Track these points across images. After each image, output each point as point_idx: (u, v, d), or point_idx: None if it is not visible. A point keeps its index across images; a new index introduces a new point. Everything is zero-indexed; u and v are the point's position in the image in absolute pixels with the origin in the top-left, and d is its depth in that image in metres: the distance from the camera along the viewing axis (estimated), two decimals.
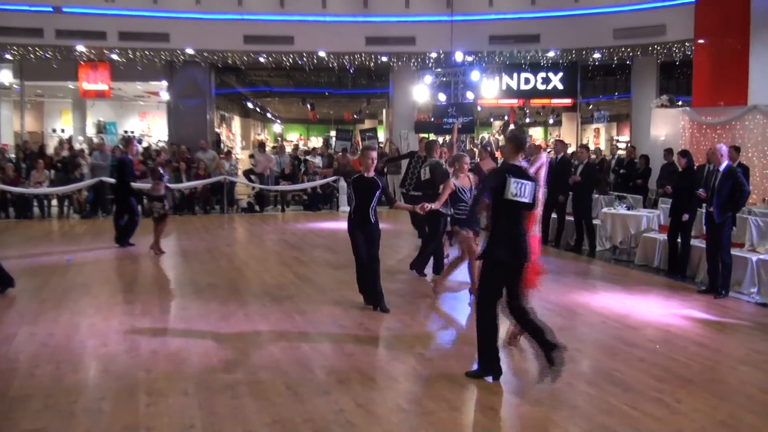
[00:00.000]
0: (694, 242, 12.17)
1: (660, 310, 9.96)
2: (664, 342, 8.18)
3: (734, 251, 10.91)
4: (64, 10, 21.89)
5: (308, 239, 16.32)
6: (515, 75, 26.25)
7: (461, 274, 10.87)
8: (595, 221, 14.81)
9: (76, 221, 19.73)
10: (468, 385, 6.73)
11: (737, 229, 11.39)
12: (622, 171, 18.84)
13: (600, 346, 8.02)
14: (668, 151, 16.13)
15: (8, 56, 24.02)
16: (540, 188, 7.17)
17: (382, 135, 30.57)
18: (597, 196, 15.70)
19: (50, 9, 21.75)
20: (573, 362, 7.38)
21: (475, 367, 6.91)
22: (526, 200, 6.59)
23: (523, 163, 6.86)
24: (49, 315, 9.21)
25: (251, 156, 23.18)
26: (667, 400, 6.31)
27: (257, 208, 22.15)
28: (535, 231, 7.46)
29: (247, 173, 22.95)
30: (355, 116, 37.74)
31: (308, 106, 33.80)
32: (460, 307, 10.15)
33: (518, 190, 6.51)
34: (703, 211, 11.36)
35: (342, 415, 5.92)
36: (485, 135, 35.18)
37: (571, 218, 15.06)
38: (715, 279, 10.75)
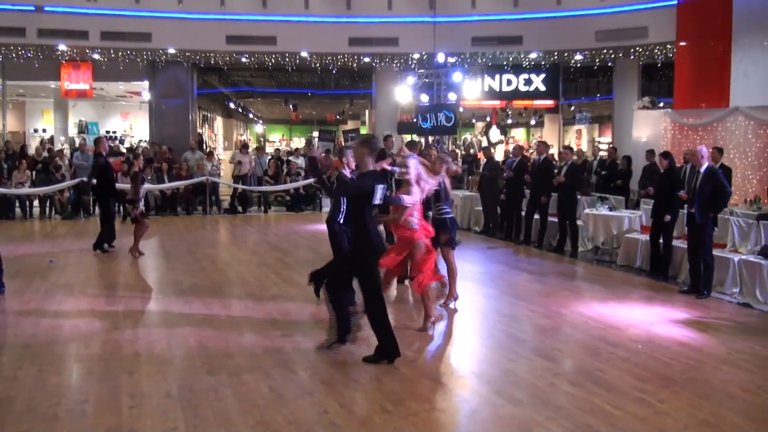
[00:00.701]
0: (675, 243, 12.23)
1: (642, 310, 10.02)
2: (646, 342, 8.22)
3: (716, 252, 10.97)
4: (46, 9, 21.77)
5: (291, 240, 16.30)
6: (497, 76, 26.32)
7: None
8: (577, 222, 14.85)
9: (57, 222, 19.63)
10: (452, 387, 6.76)
11: (719, 229, 11.45)
12: (603, 172, 18.92)
13: (583, 347, 8.06)
14: (650, 153, 16.21)
15: None
16: (420, 188, 8.28)
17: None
18: (579, 197, 15.74)
19: (32, 8, 21.63)
20: (555, 362, 7.44)
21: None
22: (380, 202, 7.45)
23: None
24: (32, 316, 9.16)
25: (239, 162, 22.97)
26: (650, 400, 6.34)
27: (240, 209, 22.10)
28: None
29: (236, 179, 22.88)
30: (338, 117, 37.68)
31: (291, 106, 33.74)
32: (444, 309, 10.17)
33: (381, 194, 7.33)
34: (685, 211, 11.43)
35: (326, 417, 5.91)
36: (468, 136, 35.23)
37: (554, 219, 15.11)
38: (697, 279, 10.81)
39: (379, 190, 7.29)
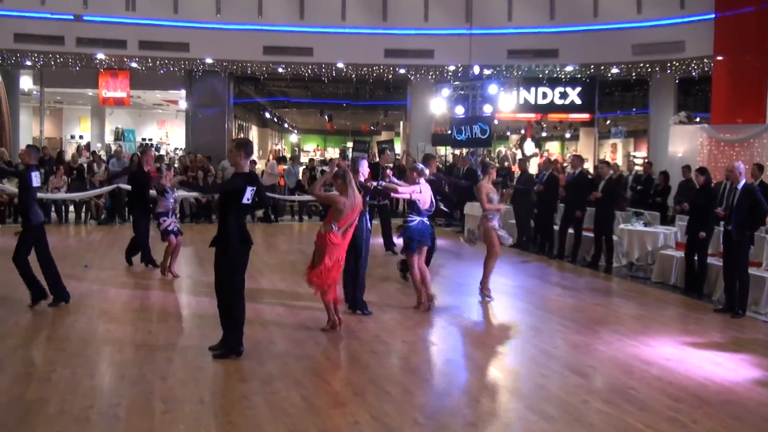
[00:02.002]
0: (711, 260, 12.06)
1: (676, 328, 9.93)
2: (680, 361, 8.12)
3: (751, 270, 10.80)
4: (85, 18, 22.05)
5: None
6: (533, 89, 26.19)
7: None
8: (613, 237, 14.72)
9: (93, 227, 19.84)
10: (484, 401, 6.73)
11: (755, 248, 11.31)
12: (639, 187, 18.75)
13: (616, 364, 7.97)
14: (686, 168, 16.07)
15: (28, 63, 24.21)
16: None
17: (399, 147, 30.62)
18: (615, 212, 15.57)
19: (71, 17, 21.92)
20: (588, 379, 7.37)
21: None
22: (250, 203, 7.87)
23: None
24: (66, 320, 9.27)
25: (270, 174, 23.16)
26: (683, 420, 6.27)
27: (273, 217, 22.18)
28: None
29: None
30: (372, 128, 37.79)
31: (326, 117, 33.91)
32: (477, 322, 10.15)
33: (250, 195, 7.73)
34: (721, 229, 11.30)
35: (357, 428, 5.92)
36: (502, 149, 35.18)
37: (588, 233, 15.01)
38: (732, 298, 10.65)
39: (248, 192, 7.69)
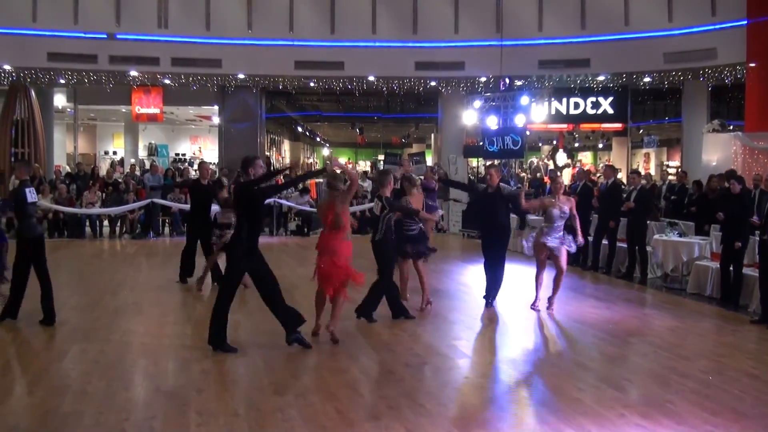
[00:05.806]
0: (746, 271, 11.90)
1: (712, 340, 9.81)
2: (716, 373, 8.00)
3: None
4: (118, 36, 22.29)
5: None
6: (565, 99, 26.08)
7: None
8: (647, 248, 14.57)
9: (127, 241, 20.02)
10: (519, 414, 6.69)
11: None
12: (673, 197, 18.57)
13: (652, 377, 7.87)
14: (720, 177, 15.89)
15: (62, 81, 24.51)
16: None
17: (430, 159, 30.61)
18: (648, 222, 15.43)
19: (104, 36, 22.17)
20: (624, 392, 7.28)
21: None
22: None
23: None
24: (101, 333, 9.35)
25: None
26: None
27: (306, 230, 22.24)
28: None
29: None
30: (403, 140, 37.79)
31: (357, 130, 33.98)
32: (511, 335, 10.10)
33: None
34: (756, 238, 11.15)
35: None
36: (534, 160, 35.03)
37: (622, 244, 14.89)
38: None
39: None
